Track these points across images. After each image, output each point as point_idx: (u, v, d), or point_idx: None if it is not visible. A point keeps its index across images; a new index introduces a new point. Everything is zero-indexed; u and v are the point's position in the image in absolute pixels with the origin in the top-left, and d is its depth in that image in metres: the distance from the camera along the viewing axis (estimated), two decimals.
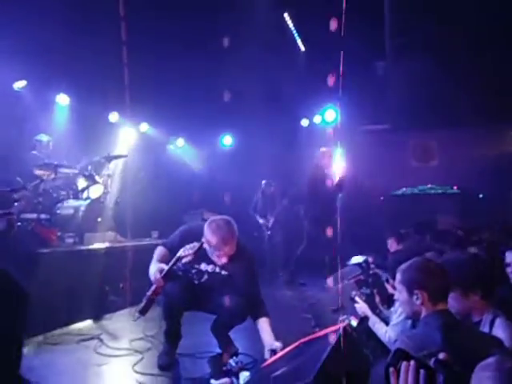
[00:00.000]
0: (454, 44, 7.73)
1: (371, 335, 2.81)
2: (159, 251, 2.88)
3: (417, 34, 8.15)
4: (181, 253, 2.68)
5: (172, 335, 2.93)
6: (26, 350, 2.62)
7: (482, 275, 2.03)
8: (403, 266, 1.96)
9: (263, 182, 7.08)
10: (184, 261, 2.72)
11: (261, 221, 6.91)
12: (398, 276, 1.96)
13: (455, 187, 7.88)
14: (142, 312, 2.69)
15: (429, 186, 8.04)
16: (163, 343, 2.94)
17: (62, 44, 5.53)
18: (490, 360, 1.08)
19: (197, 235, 2.82)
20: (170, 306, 2.82)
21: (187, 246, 2.71)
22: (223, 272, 2.83)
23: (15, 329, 2.44)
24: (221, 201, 6.79)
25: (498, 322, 1.93)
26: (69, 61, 5.62)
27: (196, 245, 2.70)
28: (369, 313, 2.87)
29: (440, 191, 7.89)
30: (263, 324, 2.72)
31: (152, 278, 2.67)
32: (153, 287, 2.67)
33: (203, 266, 2.85)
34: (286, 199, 6.99)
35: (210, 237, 2.69)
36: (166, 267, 2.66)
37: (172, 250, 2.86)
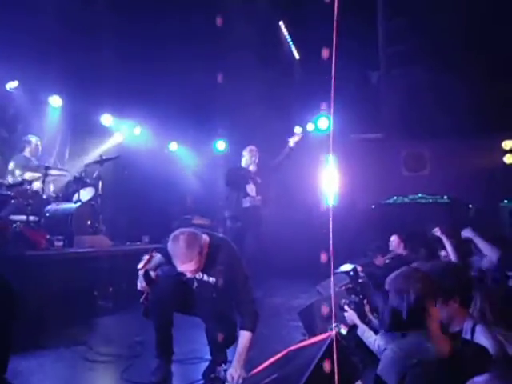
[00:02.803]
0: (447, 54, 7.85)
1: (360, 344, 2.81)
2: (156, 256, 2.79)
3: (410, 44, 8.26)
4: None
5: (163, 346, 2.81)
6: (13, 354, 2.58)
7: (460, 282, 2.07)
8: (392, 276, 1.98)
9: None
10: (140, 273, 2.62)
11: None
12: (387, 286, 1.98)
13: (445, 197, 7.97)
14: (146, 315, 2.68)
15: (419, 195, 8.12)
16: (155, 358, 2.80)
17: (54, 45, 5.51)
18: (482, 378, 1.08)
19: None
20: (157, 303, 2.69)
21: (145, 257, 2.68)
22: (211, 279, 2.70)
23: (2, 330, 2.39)
24: (213, 207, 6.77)
25: (478, 329, 1.96)
26: (61, 62, 5.60)
27: (147, 256, 2.66)
28: (357, 321, 2.87)
29: (430, 200, 7.97)
30: (241, 338, 2.57)
31: (138, 287, 2.64)
32: (144, 294, 2.65)
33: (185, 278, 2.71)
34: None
35: (169, 249, 2.56)
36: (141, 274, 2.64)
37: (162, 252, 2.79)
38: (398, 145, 8.89)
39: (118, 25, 6.05)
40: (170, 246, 2.54)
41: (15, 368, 2.70)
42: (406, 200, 8.09)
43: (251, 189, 5.39)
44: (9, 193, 4.41)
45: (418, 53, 8.18)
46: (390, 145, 8.79)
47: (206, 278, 2.70)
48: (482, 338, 1.90)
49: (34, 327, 3.31)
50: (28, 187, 4.86)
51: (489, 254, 3.55)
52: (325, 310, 3.13)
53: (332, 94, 1.82)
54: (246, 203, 5.30)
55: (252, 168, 5.46)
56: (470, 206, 7.89)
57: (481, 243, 3.64)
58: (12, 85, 5.77)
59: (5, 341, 2.40)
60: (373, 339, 2.69)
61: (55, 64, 5.55)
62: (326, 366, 1.78)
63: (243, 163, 5.54)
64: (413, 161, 8.93)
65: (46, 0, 5.44)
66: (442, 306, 2.00)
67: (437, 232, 4.01)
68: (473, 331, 1.97)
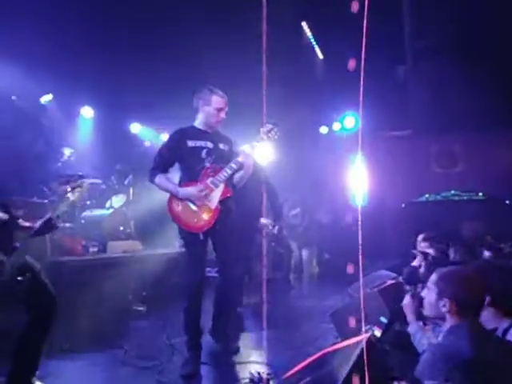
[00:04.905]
0: (475, 46, 7.58)
1: (396, 346, 2.73)
2: (161, 181, 3.06)
3: (437, 37, 8.04)
4: None
5: (193, 339, 2.97)
6: (51, 358, 2.67)
7: (493, 282, 1.96)
8: (444, 269, 1.89)
9: None
10: None
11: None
12: (434, 276, 1.89)
13: (480, 193, 7.66)
14: None
15: (452, 192, 7.84)
16: (186, 352, 2.96)
17: (86, 59, 5.70)
18: None
19: (184, 130, 3.11)
20: (192, 293, 2.98)
21: None
22: (221, 146, 3.07)
23: (37, 332, 2.42)
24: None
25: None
26: (92, 74, 5.78)
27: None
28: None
29: (465, 197, 7.67)
30: None
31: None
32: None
33: (193, 143, 3.04)
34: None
35: (209, 96, 3.05)
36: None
37: (166, 165, 3.07)
38: (428, 141, 8.65)
39: (143, 37, 6.18)
40: (209, 90, 3.08)
41: (53, 371, 2.80)
42: (439, 198, 7.83)
43: None
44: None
45: (446, 46, 7.94)
46: (420, 141, 8.57)
47: (212, 145, 3.06)
48: None
49: (71, 331, 3.41)
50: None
51: None
52: (356, 312, 3.06)
53: (361, 92, 1.79)
54: None
55: None
56: (507, 201, 7.56)
57: None
58: (47, 98, 6.00)
59: (36, 344, 2.42)
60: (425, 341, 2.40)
61: (86, 76, 5.74)
62: (361, 370, 1.75)
63: None
64: (444, 157, 8.66)
65: (77, 18, 5.63)
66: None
67: None
68: (505, 332, 1.87)
